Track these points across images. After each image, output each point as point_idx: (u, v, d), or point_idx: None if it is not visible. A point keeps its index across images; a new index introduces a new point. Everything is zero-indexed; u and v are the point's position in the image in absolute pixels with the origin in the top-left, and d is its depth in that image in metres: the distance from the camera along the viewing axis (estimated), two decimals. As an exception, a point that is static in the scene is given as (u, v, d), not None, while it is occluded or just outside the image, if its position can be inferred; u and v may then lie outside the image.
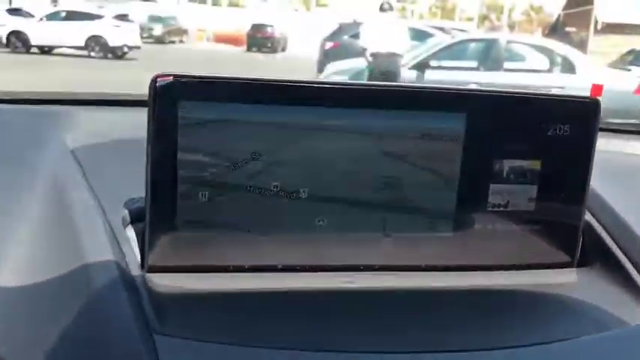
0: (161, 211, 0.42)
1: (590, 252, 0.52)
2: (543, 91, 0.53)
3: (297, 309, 0.42)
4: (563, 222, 0.50)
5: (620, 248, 0.51)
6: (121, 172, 0.50)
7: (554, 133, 0.48)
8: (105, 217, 0.44)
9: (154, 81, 0.40)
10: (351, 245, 0.47)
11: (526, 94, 0.48)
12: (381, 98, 0.45)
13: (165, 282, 0.42)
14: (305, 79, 0.44)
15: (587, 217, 0.54)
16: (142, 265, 0.43)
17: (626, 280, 0.49)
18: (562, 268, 0.51)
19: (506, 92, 0.47)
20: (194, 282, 0.42)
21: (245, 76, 0.43)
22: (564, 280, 0.49)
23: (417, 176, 0.47)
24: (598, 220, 0.54)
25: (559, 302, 0.46)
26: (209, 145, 0.42)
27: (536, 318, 0.45)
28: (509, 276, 0.49)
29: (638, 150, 0.80)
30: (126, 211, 0.46)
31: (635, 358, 0.43)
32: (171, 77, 0.40)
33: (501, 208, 0.49)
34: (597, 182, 0.55)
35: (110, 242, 0.41)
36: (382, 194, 0.46)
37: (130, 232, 0.45)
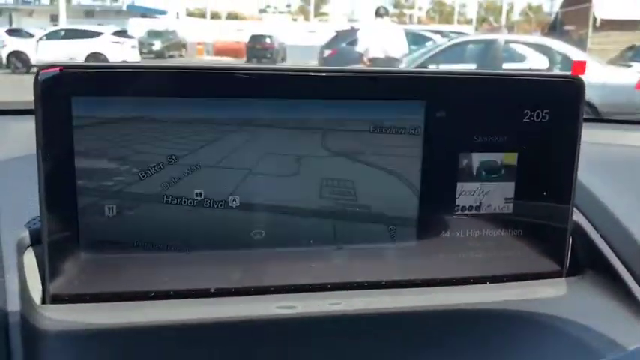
0: (60, 230, 0.35)
1: (581, 259, 0.45)
2: (516, 70, 0.46)
3: (228, 342, 0.35)
4: (548, 224, 0.43)
5: (616, 254, 0.44)
6: (36, 188, 0.43)
7: (531, 120, 0.41)
8: None
9: (37, 74, 0.33)
10: (297, 261, 0.39)
11: (496, 74, 0.41)
12: (323, 86, 0.38)
13: (63, 316, 0.34)
14: (227, 65, 0.37)
15: (578, 217, 0.46)
16: (44, 296, 0.36)
17: (622, 292, 0.41)
18: (549, 278, 0.43)
19: (472, 73, 0.40)
20: (105, 314, 0.35)
21: (154, 64, 0.36)
22: (552, 294, 0.42)
23: (371, 177, 0.40)
24: (590, 222, 0.46)
25: (546, 321, 0.39)
26: (113, 148, 0.36)
27: (519, 341, 0.38)
28: (486, 290, 0.42)
29: (636, 141, 0.73)
30: (26, 232, 0.39)
31: None
32: (60, 68, 0.34)
33: (473, 211, 0.42)
34: (589, 177, 0.47)
35: None
36: (330, 200, 0.39)
37: (30, 257, 0.38)
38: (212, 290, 0.38)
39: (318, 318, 0.37)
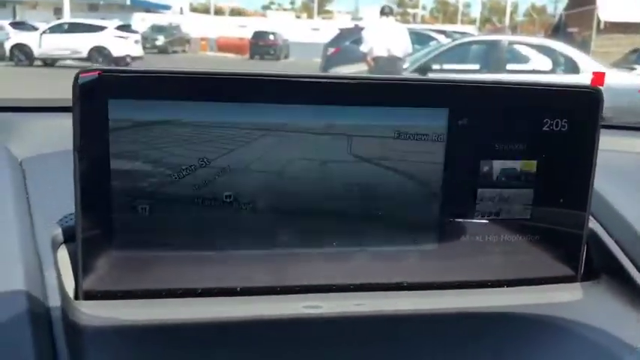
0: (94, 228, 0.36)
1: (596, 264, 0.46)
2: (536, 80, 0.47)
3: (257, 340, 0.36)
4: (565, 230, 0.44)
5: (631, 260, 0.45)
6: (70, 185, 0.44)
7: (550, 129, 0.42)
8: (32, 237, 0.38)
9: (76, 78, 0.34)
10: (320, 262, 0.40)
11: (517, 84, 0.42)
12: (350, 92, 0.39)
13: (97, 312, 0.36)
14: (259, 71, 0.38)
15: (593, 224, 0.47)
16: (76, 292, 0.37)
17: (637, 297, 0.43)
18: (564, 283, 0.44)
19: (495, 83, 0.41)
20: (136, 310, 0.36)
21: (188, 69, 0.37)
22: (567, 298, 0.43)
23: (394, 182, 0.41)
24: (605, 228, 0.48)
25: (561, 325, 0.40)
26: (147, 150, 0.37)
27: (535, 345, 0.39)
28: (504, 294, 0.43)
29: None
30: (59, 229, 0.40)
31: None
32: (98, 73, 0.35)
33: (492, 217, 0.43)
34: (604, 184, 0.48)
35: (25, 267, 0.35)
36: (355, 203, 0.40)
37: (63, 253, 0.39)
38: (238, 289, 0.39)
39: (344, 318, 0.38)
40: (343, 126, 0.39)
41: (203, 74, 0.37)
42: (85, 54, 12.90)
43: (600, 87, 0.42)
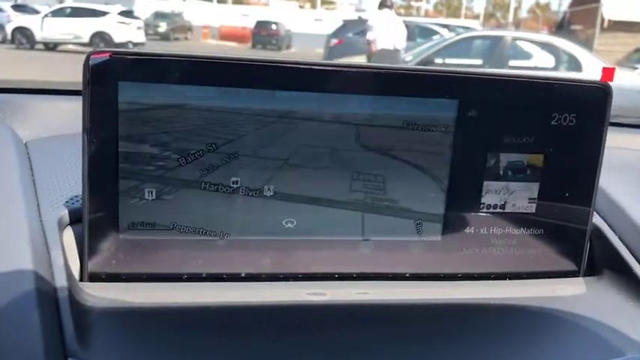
0: (100, 210, 0.37)
1: (599, 259, 0.46)
2: (546, 75, 0.47)
3: (259, 326, 0.36)
4: (569, 225, 0.44)
5: (634, 255, 0.45)
6: (76, 168, 0.44)
7: (558, 123, 0.42)
8: (39, 218, 0.38)
9: (87, 59, 0.34)
10: (325, 250, 0.41)
11: (526, 77, 0.42)
12: (359, 81, 0.39)
13: (102, 293, 0.36)
14: (271, 57, 0.38)
15: (596, 219, 0.48)
16: (82, 273, 0.37)
17: (639, 292, 0.43)
18: (567, 277, 0.45)
19: (504, 75, 0.41)
20: (141, 293, 0.37)
21: (199, 54, 0.37)
22: (570, 292, 0.43)
23: (400, 172, 0.41)
24: (608, 223, 0.48)
25: (563, 318, 0.40)
26: (155, 134, 0.37)
27: (536, 337, 0.39)
28: (506, 287, 0.43)
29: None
30: (65, 211, 0.40)
31: None
32: (109, 54, 0.34)
33: (498, 209, 0.43)
34: (607, 181, 0.49)
35: (33, 248, 0.35)
36: (360, 193, 0.40)
37: (69, 235, 0.39)
38: (243, 275, 0.39)
39: (347, 306, 0.39)
40: (351, 114, 0.39)
41: (213, 59, 0.37)
42: (86, 39, 12.84)
43: (610, 82, 0.42)
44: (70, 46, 12.81)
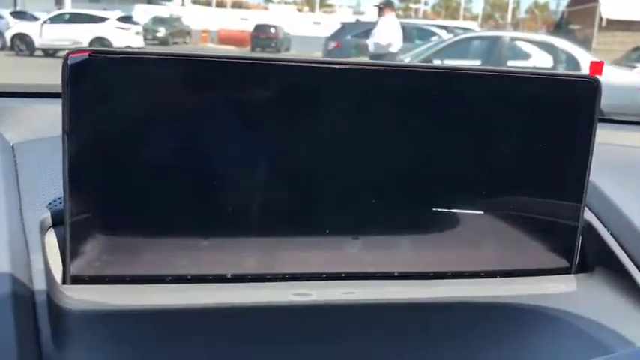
0: (82, 212, 0.36)
1: (590, 256, 0.46)
2: (532, 70, 0.46)
3: (245, 327, 0.36)
4: (560, 222, 0.44)
5: (626, 252, 0.45)
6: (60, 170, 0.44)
7: (546, 118, 0.42)
8: (21, 221, 0.38)
9: (66, 59, 0.34)
10: (312, 250, 0.40)
11: (515, 72, 0.41)
12: (341, 78, 0.39)
13: (83, 296, 0.36)
14: (247, 55, 0.37)
15: (588, 215, 0.47)
16: (64, 276, 0.37)
17: (631, 288, 0.43)
18: (558, 274, 0.44)
19: (489, 71, 0.41)
20: (124, 295, 0.37)
21: (181, 52, 0.36)
22: (561, 289, 0.43)
23: (389, 171, 0.41)
24: (599, 219, 0.47)
25: (554, 315, 0.40)
26: (139, 132, 0.36)
27: (527, 334, 0.39)
28: (497, 284, 0.43)
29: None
30: (47, 213, 0.40)
31: None
32: (88, 53, 0.34)
33: (488, 207, 0.42)
34: (599, 177, 0.48)
35: (12, 252, 0.34)
36: (348, 192, 0.40)
37: (51, 238, 0.39)
38: (228, 276, 0.39)
39: (333, 306, 0.38)
40: (339, 112, 0.39)
41: (196, 57, 0.37)
42: (85, 45, 12.84)
43: (598, 76, 0.42)
44: (69, 52, 12.79)
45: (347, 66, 0.38)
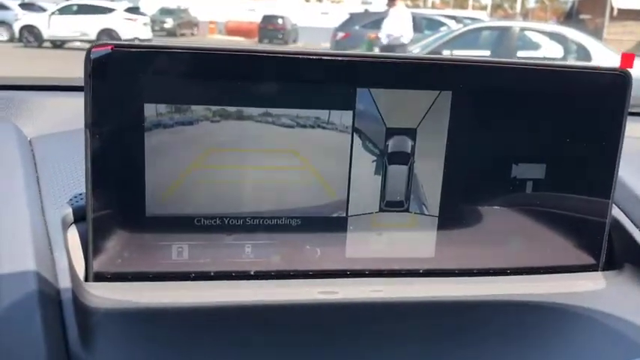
0: (105, 207, 0.36)
1: (618, 253, 0.45)
2: (565, 63, 0.45)
3: (264, 327, 0.35)
4: (587, 218, 0.43)
5: None
6: (82, 165, 0.43)
7: (576, 112, 0.41)
8: (43, 217, 0.38)
9: (89, 52, 0.33)
10: (335, 246, 0.40)
11: (542, 65, 0.40)
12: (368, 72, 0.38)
13: (107, 294, 0.35)
14: (275, 49, 0.36)
15: (615, 211, 0.46)
16: (87, 273, 0.36)
17: None
18: (586, 271, 0.43)
19: (517, 64, 0.40)
20: (147, 293, 0.36)
21: (202, 45, 0.35)
22: (590, 287, 0.42)
23: (406, 169, 0.40)
24: (628, 215, 0.46)
25: (581, 314, 0.39)
26: (162, 126, 0.36)
27: (555, 334, 0.38)
28: (523, 282, 0.42)
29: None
30: (69, 209, 0.39)
31: None
32: (111, 47, 0.34)
33: (513, 203, 0.41)
34: (627, 171, 0.47)
35: (36, 249, 0.34)
36: (369, 189, 0.39)
37: (73, 234, 0.38)
38: (252, 273, 0.39)
39: (360, 304, 0.38)
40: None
41: (219, 50, 0.36)
42: (93, 36, 12.86)
43: (629, 69, 0.41)
44: (77, 44, 12.85)
45: (359, 59, 0.38)
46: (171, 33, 18.56)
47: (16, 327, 0.29)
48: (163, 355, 0.32)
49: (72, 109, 0.58)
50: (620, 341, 0.37)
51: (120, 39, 12.91)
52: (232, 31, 21.90)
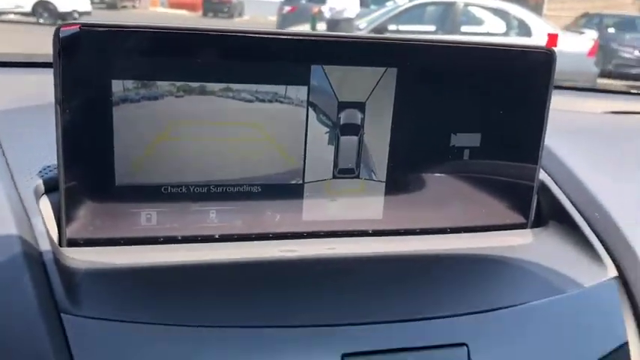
0: (76, 178, 0.38)
1: (545, 212, 0.51)
2: (491, 41, 0.50)
3: (230, 282, 0.39)
4: (518, 182, 0.48)
5: (576, 207, 0.49)
6: (46, 139, 0.45)
7: (506, 87, 0.45)
8: (15, 188, 0.40)
9: (57, 32, 0.35)
10: (293, 211, 0.43)
11: (471, 43, 0.44)
12: (320, 50, 0.41)
13: (83, 257, 0.38)
14: (245, 29, 0.39)
15: (543, 176, 0.52)
16: (60, 239, 0.39)
17: (580, 240, 0.47)
18: (516, 229, 0.49)
19: (448, 42, 0.44)
20: (119, 256, 0.39)
21: (169, 25, 0.38)
22: (517, 242, 0.47)
23: (356, 140, 0.43)
24: (554, 179, 0.52)
25: (511, 265, 0.44)
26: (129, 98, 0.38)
27: (485, 283, 0.43)
28: (462, 239, 0.47)
29: (592, 108, 0.79)
30: (39, 181, 0.41)
31: (589, 320, 0.42)
32: (79, 26, 0.36)
33: (450, 170, 0.46)
34: (552, 140, 0.53)
35: (14, 215, 0.36)
36: (323, 157, 0.43)
37: (45, 204, 0.40)
38: (216, 236, 0.42)
39: (316, 260, 0.42)
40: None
41: (186, 30, 0.38)
42: (28, 8, 12.30)
43: (554, 48, 0.46)
44: (12, 16, 12.27)
45: (313, 38, 0.41)
46: (111, 5, 17.93)
47: (6, 287, 0.32)
48: (143, 308, 0.35)
49: (33, 85, 0.59)
50: (544, 285, 0.42)
51: (57, 11, 12.39)
52: (175, 4, 21.32)
